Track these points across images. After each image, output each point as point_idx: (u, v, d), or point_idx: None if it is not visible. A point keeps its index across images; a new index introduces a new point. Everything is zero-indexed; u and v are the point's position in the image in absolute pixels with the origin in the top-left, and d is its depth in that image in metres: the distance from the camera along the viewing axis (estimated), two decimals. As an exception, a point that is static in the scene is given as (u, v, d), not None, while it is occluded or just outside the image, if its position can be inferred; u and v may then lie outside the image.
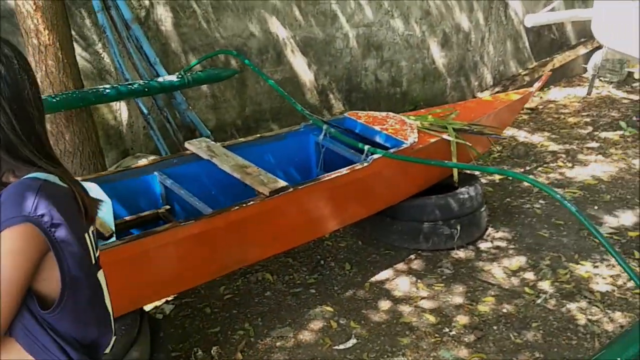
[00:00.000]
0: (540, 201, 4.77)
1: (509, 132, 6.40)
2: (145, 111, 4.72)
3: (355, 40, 6.31)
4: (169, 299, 3.52)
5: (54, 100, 3.82)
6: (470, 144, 3.94)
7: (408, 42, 6.77)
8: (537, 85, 4.92)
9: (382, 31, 6.50)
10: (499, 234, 4.25)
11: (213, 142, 3.37)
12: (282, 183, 2.92)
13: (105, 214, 2.68)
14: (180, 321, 3.37)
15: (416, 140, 3.64)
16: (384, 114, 4.04)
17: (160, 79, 4.38)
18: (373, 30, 6.41)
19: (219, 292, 3.61)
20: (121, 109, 5.00)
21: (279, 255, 3.90)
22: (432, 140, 3.77)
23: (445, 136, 3.85)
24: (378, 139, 3.77)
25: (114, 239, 2.58)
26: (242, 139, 3.63)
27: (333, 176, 3.16)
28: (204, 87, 5.37)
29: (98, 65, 4.81)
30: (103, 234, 2.64)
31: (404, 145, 3.56)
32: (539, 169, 5.43)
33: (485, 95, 7.49)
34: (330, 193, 3.20)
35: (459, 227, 3.99)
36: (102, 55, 4.78)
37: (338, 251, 4.07)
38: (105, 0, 4.31)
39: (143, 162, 3.20)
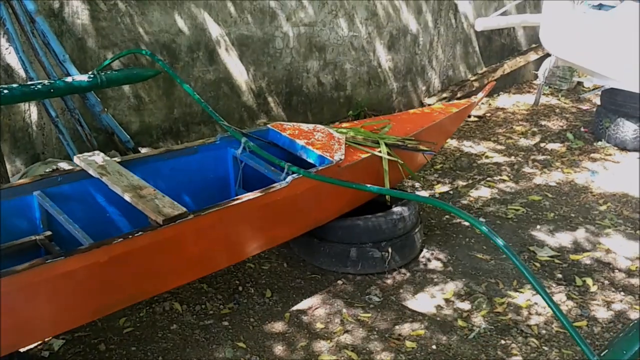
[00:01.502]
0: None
1: (454, 141, 6.16)
2: (53, 113, 4.27)
3: (297, 40, 5.94)
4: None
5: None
6: (403, 162, 3.64)
7: (353, 43, 6.45)
8: (480, 95, 4.66)
9: (325, 31, 6.15)
10: (434, 257, 3.97)
11: (107, 157, 2.95)
12: (180, 209, 2.55)
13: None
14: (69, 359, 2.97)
15: (343, 157, 3.31)
16: (311, 126, 3.70)
17: (68, 79, 3.92)
18: (315, 30, 6.06)
19: (119, 325, 3.21)
20: (31, 109, 4.52)
21: (193, 281, 3.53)
22: (362, 156, 3.45)
23: (376, 152, 3.54)
24: (302, 155, 3.44)
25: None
26: (147, 153, 3.23)
27: (244, 199, 2.80)
28: (126, 87, 4.94)
29: (2, 63, 4.32)
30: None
31: (328, 163, 3.23)
32: (482, 182, 5.19)
33: (432, 100, 7.25)
34: (241, 217, 2.84)
35: (390, 250, 3.70)
36: (9, 51, 4.29)
37: (260, 275, 3.71)
38: (4, -11, 3.84)
39: (21, 180, 2.76)
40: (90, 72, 4.03)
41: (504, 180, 5.22)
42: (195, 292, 3.49)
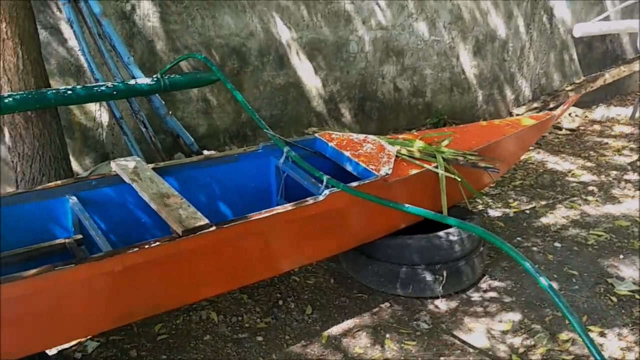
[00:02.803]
0: (556, 244, 4.11)
1: (538, 156, 5.71)
2: (118, 114, 4.33)
3: (372, 44, 5.74)
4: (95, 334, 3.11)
5: (7, 100, 3.47)
6: (462, 178, 3.35)
7: (434, 48, 6.16)
8: (561, 108, 4.25)
9: (404, 35, 5.91)
10: (496, 283, 3.65)
11: (143, 163, 2.91)
12: (202, 220, 2.44)
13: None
14: (100, 364, 2.96)
15: (390, 171, 3.08)
16: (361, 136, 3.49)
17: (131, 82, 3.96)
18: (393, 33, 5.83)
19: (154, 331, 3.17)
20: (101, 109, 4.64)
21: (234, 291, 3.43)
22: (413, 172, 3.21)
23: (431, 167, 3.28)
24: (347, 167, 3.24)
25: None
26: (184, 160, 3.15)
27: (272, 213, 2.65)
28: (195, 90, 4.96)
29: (75, 63, 4.45)
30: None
31: (373, 178, 3.02)
32: (564, 202, 4.75)
33: (521, 110, 6.80)
34: (269, 231, 2.70)
35: (444, 274, 3.42)
36: (77, 52, 4.42)
37: (303, 289, 3.56)
38: (73, -8, 3.93)
39: (54, 183, 2.78)
40: (153, 76, 4.05)
41: (588, 202, 4.75)
42: (234, 303, 3.39)
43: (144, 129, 4.46)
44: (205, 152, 4.77)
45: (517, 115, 6.75)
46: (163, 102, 4.42)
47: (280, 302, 3.42)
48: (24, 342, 2.25)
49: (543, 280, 2.03)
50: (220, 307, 3.35)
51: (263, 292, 3.49)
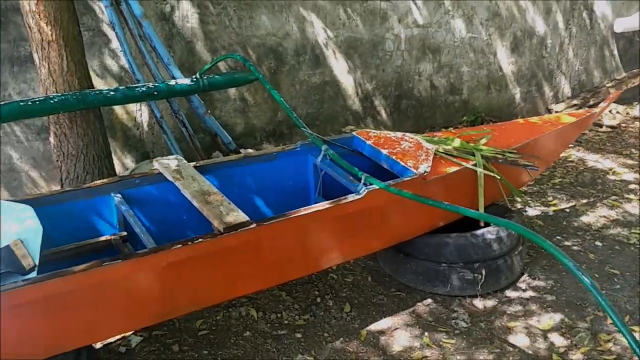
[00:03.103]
0: (597, 242, 4.05)
1: (578, 153, 5.62)
2: (158, 114, 4.42)
3: (409, 42, 5.73)
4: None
5: (52, 101, 3.57)
6: (501, 176, 3.32)
7: (471, 45, 6.11)
8: (602, 105, 4.17)
9: (441, 33, 5.87)
10: (536, 282, 3.61)
11: (184, 162, 2.96)
12: (243, 218, 2.48)
13: (31, 243, 2.36)
14: (143, 357, 3.02)
15: (429, 169, 3.08)
16: (399, 134, 3.49)
17: (171, 82, 4.03)
18: (430, 31, 5.80)
19: (195, 327, 3.23)
20: (142, 109, 4.74)
21: (272, 288, 3.47)
22: (452, 169, 3.20)
23: (469, 165, 3.26)
24: (385, 165, 3.24)
25: (34, 273, 2.26)
26: (224, 158, 3.20)
27: (311, 210, 2.68)
28: (232, 90, 5.02)
29: (117, 64, 4.56)
30: (22, 267, 2.32)
31: (412, 175, 3.02)
32: (605, 201, 4.66)
33: (560, 107, 6.69)
34: (309, 228, 2.72)
35: (483, 272, 3.40)
36: (118, 53, 4.52)
37: (341, 287, 3.58)
38: (115, -6, 4.02)
39: (99, 181, 2.85)
40: (192, 76, 4.12)
41: (630, 200, 4.66)
42: (272, 300, 3.43)
43: (183, 129, 4.54)
44: (243, 151, 4.84)
45: (556, 112, 6.64)
46: (202, 102, 4.49)
47: (319, 300, 3.44)
48: (72, 335, 2.32)
49: (586, 279, 2.00)
50: (259, 304, 3.39)
51: (301, 290, 3.53)
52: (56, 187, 4.56)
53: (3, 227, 2.45)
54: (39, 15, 3.59)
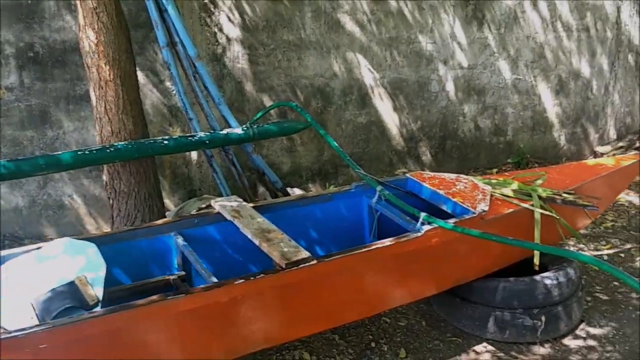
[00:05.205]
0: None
1: (629, 197, 5.49)
2: (209, 153, 4.46)
3: (453, 84, 5.73)
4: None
5: (108, 151, 3.63)
6: (559, 217, 3.24)
7: (516, 87, 6.08)
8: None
9: (486, 74, 5.86)
10: (596, 330, 3.48)
11: (242, 202, 2.97)
12: (304, 254, 2.45)
13: (95, 279, 2.36)
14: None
15: (487, 208, 3.03)
16: (453, 176, 3.45)
17: (224, 132, 4.11)
18: (475, 72, 5.80)
19: (247, 369, 3.17)
20: (192, 149, 4.79)
21: (326, 331, 3.41)
22: (509, 210, 3.13)
23: (527, 205, 3.20)
24: (442, 205, 3.20)
25: (98, 308, 2.25)
26: (281, 199, 3.20)
27: (372, 247, 2.64)
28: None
29: (168, 103, 4.64)
30: (87, 302, 2.32)
31: (470, 215, 2.97)
32: (660, 246, 4.52)
33: (606, 149, 6.58)
34: (369, 267, 2.68)
35: (543, 319, 3.29)
36: (173, 93, 4.60)
37: (395, 331, 3.49)
38: (172, 36, 4.11)
39: (160, 221, 2.87)
40: (243, 125, 4.18)
41: (688, 246, 4.51)
42: (326, 343, 3.36)
43: (232, 167, 4.57)
44: (289, 190, 4.84)
45: (602, 154, 6.53)
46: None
47: (373, 344, 3.37)
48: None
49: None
50: (312, 348, 3.32)
51: (354, 333, 3.46)
52: (105, 225, 4.61)
53: (69, 263, 2.47)
54: (99, 55, 3.69)
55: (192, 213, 3.75)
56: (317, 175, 5.31)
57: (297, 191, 4.90)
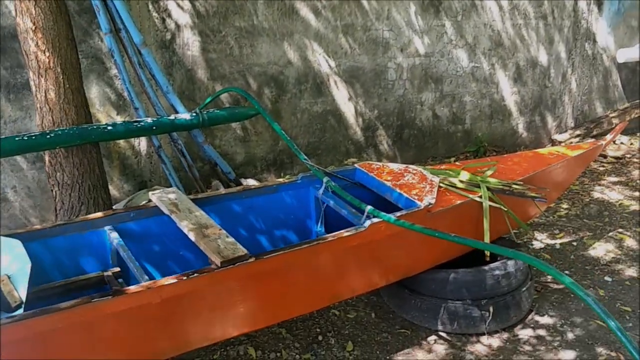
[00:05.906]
0: (607, 278, 3.93)
1: (583, 185, 5.52)
2: (157, 143, 4.34)
3: (411, 72, 5.67)
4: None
5: (48, 137, 3.49)
6: (507, 209, 3.22)
7: (474, 75, 6.05)
8: (609, 137, 4.09)
9: (443, 62, 5.83)
10: (545, 320, 3.48)
11: (181, 194, 2.86)
12: (241, 251, 2.37)
13: (18, 279, 2.24)
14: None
15: (433, 201, 2.98)
16: (402, 166, 3.39)
17: (171, 117, 3.97)
18: (432, 60, 5.75)
19: (190, 366, 3.09)
20: (140, 138, 4.65)
21: (271, 325, 3.33)
22: (457, 202, 3.09)
23: (475, 197, 3.16)
24: (389, 197, 3.14)
25: (21, 310, 2.14)
26: (223, 191, 3.10)
27: (313, 244, 2.57)
28: (232, 118, 4.93)
29: (115, 92, 4.48)
30: (9, 304, 2.20)
31: (416, 207, 2.92)
32: (612, 234, 4.55)
33: (563, 137, 6.62)
34: (310, 263, 2.61)
35: (491, 309, 3.27)
36: (117, 82, 4.44)
37: (344, 324, 3.44)
38: (115, 22, 3.96)
39: (93, 215, 2.75)
40: (192, 111, 4.06)
41: (638, 233, 4.54)
42: (272, 337, 3.29)
43: (182, 158, 4.46)
44: (243, 180, 4.74)
45: (560, 142, 6.57)
46: (201, 131, 4.40)
47: (320, 338, 3.31)
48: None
49: (612, 322, 1.88)
50: (258, 342, 3.25)
51: (302, 327, 3.39)
52: (50, 217, 4.45)
53: (-10, 263, 2.34)
54: (37, 42, 3.53)
55: (139, 205, 3.64)
56: (272, 165, 5.22)
57: (251, 182, 4.81)
